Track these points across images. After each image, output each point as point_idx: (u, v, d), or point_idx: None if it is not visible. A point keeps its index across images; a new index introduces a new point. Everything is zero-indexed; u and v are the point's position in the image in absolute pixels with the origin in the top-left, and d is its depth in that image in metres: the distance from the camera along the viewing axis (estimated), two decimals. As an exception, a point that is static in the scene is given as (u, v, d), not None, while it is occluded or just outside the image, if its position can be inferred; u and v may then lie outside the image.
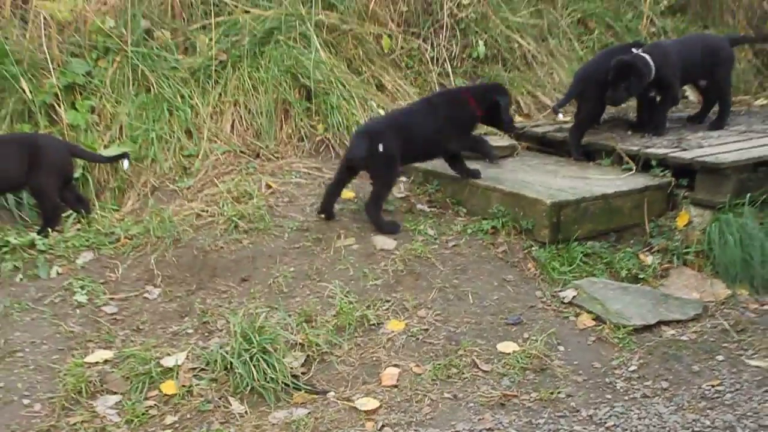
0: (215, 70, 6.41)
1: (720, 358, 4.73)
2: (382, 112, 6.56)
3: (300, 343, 4.51)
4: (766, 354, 4.79)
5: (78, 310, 4.80)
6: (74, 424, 4.09)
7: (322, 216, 5.61)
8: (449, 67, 7.24)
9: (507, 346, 4.65)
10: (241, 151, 6.14)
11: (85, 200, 5.66)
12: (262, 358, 4.28)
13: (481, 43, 7.39)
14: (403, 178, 6.11)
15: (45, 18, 6.26)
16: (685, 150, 5.96)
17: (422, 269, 5.16)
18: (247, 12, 6.69)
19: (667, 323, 5.00)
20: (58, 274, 5.05)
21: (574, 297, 5.09)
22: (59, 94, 6.07)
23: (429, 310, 4.88)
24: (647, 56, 6.25)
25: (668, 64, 6.29)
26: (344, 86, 6.51)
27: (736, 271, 5.39)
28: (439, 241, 5.44)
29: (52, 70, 6.11)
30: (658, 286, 5.34)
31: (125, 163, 5.74)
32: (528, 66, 7.49)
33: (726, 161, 5.65)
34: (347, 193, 5.82)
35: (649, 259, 5.50)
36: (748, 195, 5.60)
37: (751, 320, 5.13)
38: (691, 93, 7.70)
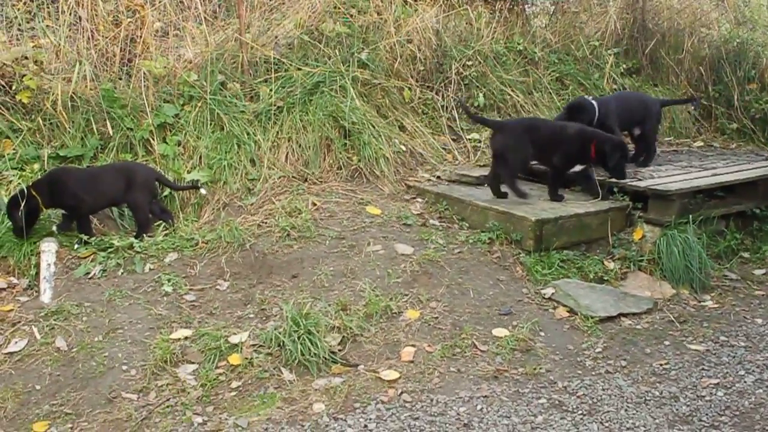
0: (274, 114, 6.37)
1: (667, 342, 4.67)
2: (403, 148, 6.54)
3: (337, 327, 4.46)
4: (702, 340, 4.73)
5: (165, 298, 4.76)
6: (161, 385, 4.06)
7: (496, 197, 5.86)
8: (456, 113, 7.19)
9: (500, 332, 4.60)
10: (293, 177, 6.08)
11: (169, 212, 5.63)
12: (307, 337, 4.25)
13: (480, 95, 7.34)
14: (419, 200, 6.06)
15: (144, 73, 6.24)
16: (640, 180, 5.90)
17: (434, 270, 5.11)
18: (299, 69, 6.66)
19: (625, 315, 4.93)
20: (150, 269, 5.02)
21: (552, 294, 5.03)
22: (154, 131, 6.05)
23: (439, 302, 4.82)
24: (593, 101, 6.31)
25: (609, 113, 6.26)
26: (374, 127, 6.45)
27: (679, 275, 5.33)
28: (447, 248, 5.38)
29: (148, 112, 6.09)
30: (619, 286, 5.26)
31: (202, 190, 5.73)
32: (517, 113, 7.42)
33: (672, 189, 5.60)
34: (374, 210, 5.77)
35: (611, 265, 5.42)
36: (690, 216, 5.54)
37: (690, 314, 5.07)
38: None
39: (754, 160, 7.05)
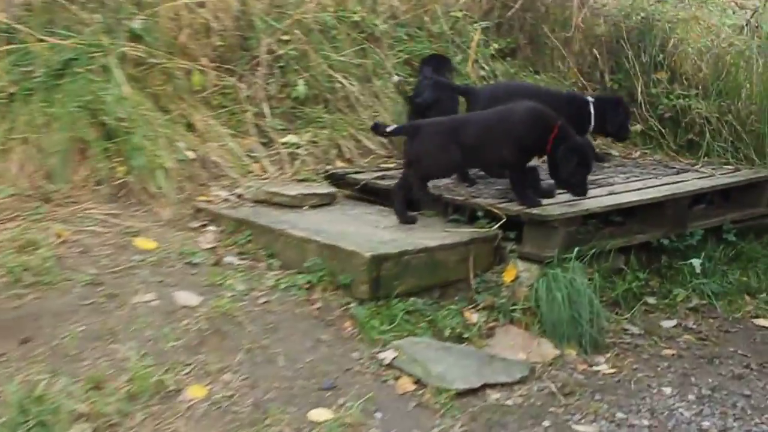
0: (3, 104, 6.12)
1: (546, 423, 4.72)
2: (190, 155, 6.41)
3: (86, 414, 4.25)
4: (593, 418, 4.81)
5: None
6: None
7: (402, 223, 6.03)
8: (267, 107, 7.13)
9: (319, 414, 4.51)
10: (29, 195, 5.86)
11: None
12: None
13: (301, 82, 7.32)
14: (212, 228, 5.96)
15: None
16: (512, 201, 5.98)
17: (229, 328, 4.99)
18: (41, 41, 6.43)
19: (492, 386, 4.96)
20: None
21: (394, 359, 4.99)
22: None
23: (235, 374, 4.70)
24: None
25: None
26: (149, 125, 6.33)
27: (564, 330, 5.43)
28: (248, 297, 5.28)
29: None
30: (484, 346, 5.31)
31: None
32: (351, 108, 7.45)
33: (554, 213, 5.72)
34: (147, 244, 5.62)
35: (474, 317, 5.46)
36: (577, 249, 5.66)
37: (579, 382, 5.15)
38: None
39: (663, 173, 7.33)
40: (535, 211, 5.76)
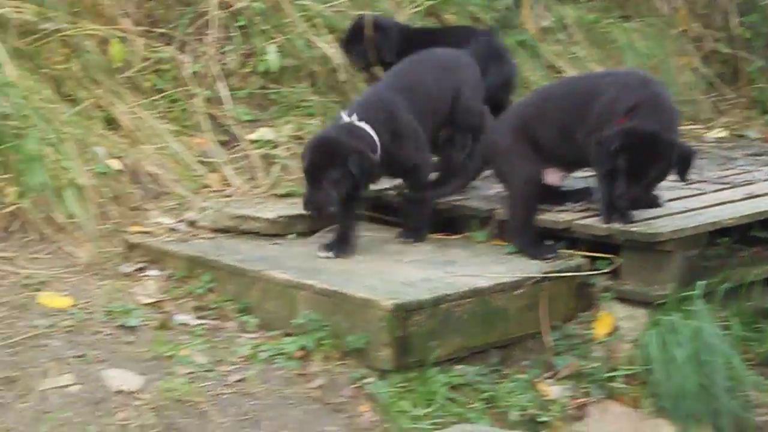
0: None
1: None
2: (114, 164, 6.46)
3: None
4: None
5: None
6: None
7: None
8: (224, 88, 7.18)
9: None
10: None
11: None
12: None
13: (272, 49, 7.37)
14: (153, 273, 6.00)
15: None
16: (599, 214, 6.01)
17: (187, 422, 5.01)
18: None
19: (589, 497, 5.01)
20: None
21: (437, 459, 5.05)
22: None
23: (199, 492, 4.77)
24: None
25: None
26: (49, 123, 6.39)
27: (691, 406, 5.43)
28: (214, 374, 5.32)
29: None
30: (570, 432, 5.35)
31: None
32: (349, 83, 7.49)
33: (665, 231, 5.72)
34: (58, 300, 5.66)
35: (553, 391, 5.50)
36: (702, 283, 5.66)
37: (719, 483, 5.18)
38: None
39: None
40: (635, 228, 5.78)
